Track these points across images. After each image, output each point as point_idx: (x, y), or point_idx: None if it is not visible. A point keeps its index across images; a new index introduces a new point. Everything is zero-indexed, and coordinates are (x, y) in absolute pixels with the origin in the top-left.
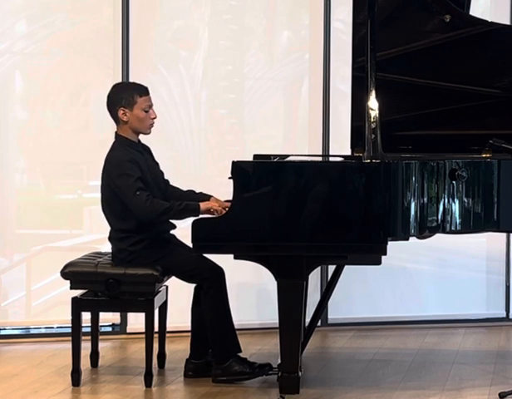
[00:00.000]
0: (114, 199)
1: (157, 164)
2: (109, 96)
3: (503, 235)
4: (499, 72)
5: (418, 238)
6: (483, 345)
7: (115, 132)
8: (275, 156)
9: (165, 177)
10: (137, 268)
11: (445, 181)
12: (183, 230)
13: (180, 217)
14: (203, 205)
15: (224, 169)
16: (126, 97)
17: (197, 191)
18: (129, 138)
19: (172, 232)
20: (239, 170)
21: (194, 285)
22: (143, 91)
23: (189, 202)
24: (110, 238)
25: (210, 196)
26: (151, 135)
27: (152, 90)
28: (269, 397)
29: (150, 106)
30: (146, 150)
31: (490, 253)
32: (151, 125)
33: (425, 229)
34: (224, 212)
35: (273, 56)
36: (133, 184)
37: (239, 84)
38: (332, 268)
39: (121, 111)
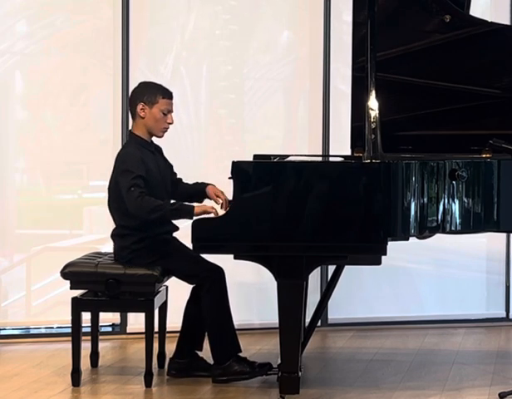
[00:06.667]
0: (119, 195)
1: (170, 166)
2: (133, 91)
3: (503, 235)
4: (498, 72)
5: (418, 238)
6: (483, 345)
7: (129, 130)
8: (275, 156)
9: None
10: (137, 268)
11: (445, 181)
12: (183, 230)
13: (174, 217)
14: (197, 208)
15: (223, 169)
16: (149, 95)
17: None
18: (142, 137)
19: (174, 234)
20: (239, 171)
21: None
22: (167, 93)
23: (184, 203)
24: (112, 236)
25: (209, 184)
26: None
27: None
28: (269, 397)
29: (170, 111)
30: (158, 151)
31: (490, 253)
32: (165, 129)
33: (425, 229)
34: (220, 211)
35: (273, 56)
36: (130, 181)
37: (239, 84)
38: (332, 268)
39: (140, 106)
